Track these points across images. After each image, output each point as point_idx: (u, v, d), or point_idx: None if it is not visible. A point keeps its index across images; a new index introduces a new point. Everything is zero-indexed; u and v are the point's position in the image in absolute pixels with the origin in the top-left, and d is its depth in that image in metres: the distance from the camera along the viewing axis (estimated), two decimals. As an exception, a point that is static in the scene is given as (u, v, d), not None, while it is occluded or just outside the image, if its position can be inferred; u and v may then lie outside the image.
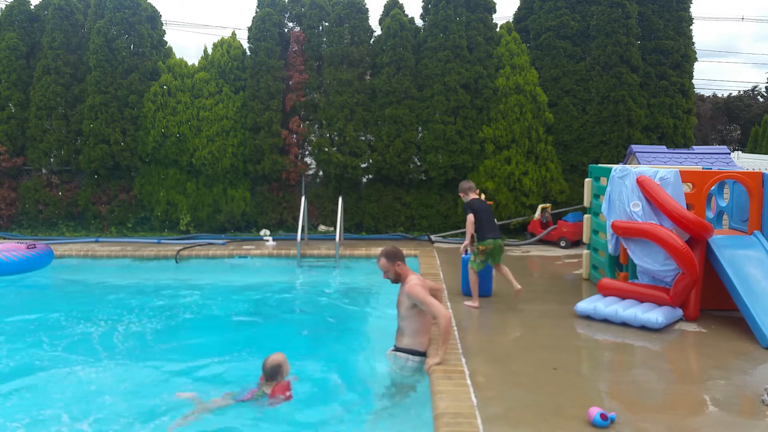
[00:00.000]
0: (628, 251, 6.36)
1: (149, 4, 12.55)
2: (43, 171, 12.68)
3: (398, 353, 5.21)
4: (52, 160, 12.39)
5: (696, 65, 12.44)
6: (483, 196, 10.69)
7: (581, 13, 12.07)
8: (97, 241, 11.34)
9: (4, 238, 11.66)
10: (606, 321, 6.08)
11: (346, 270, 9.66)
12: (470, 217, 6.78)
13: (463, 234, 11.74)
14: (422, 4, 12.24)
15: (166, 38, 12.95)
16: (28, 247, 9.05)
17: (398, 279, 5.28)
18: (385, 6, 12.33)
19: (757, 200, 6.46)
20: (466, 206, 6.96)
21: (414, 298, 5.05)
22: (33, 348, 6.19)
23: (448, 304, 6.67)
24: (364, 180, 12.45)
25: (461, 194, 7.13)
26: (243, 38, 13.82)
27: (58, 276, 9.37)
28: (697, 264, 5.88)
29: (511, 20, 13.01)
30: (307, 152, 12.35)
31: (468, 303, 6.81)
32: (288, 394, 4.70)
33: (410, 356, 5.15)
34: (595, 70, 11.85)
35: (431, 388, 4.43)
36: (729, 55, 48.66)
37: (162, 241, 11.33)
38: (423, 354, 5.15)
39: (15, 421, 4.46)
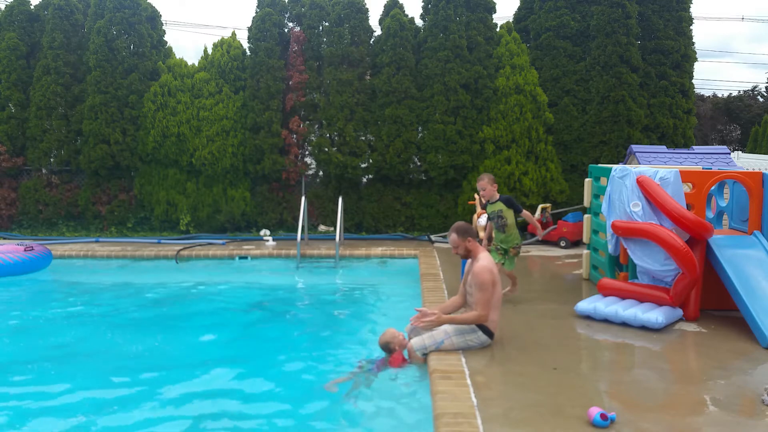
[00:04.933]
0: (628, 251, 6.36)
1: (149, 4, 12.56)
2: (43, 171, 12.69)
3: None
4: (52, 160, 12.40)
5: (695, 65, 12.46)
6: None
7: (581, 13, 12.08)
8: (97, 241, 11.34)
9: (4, 239, 11.66)
10: (606, 321, 6.07)
11: (346, 270, 9.66)
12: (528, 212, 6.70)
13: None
14: (422, 4, 12.24)
15: (166, 38, 12.96)
16: (25, 249, 9.01)
17: (468, 255, 5.30)
18: (385, 6, 12.33)
19: (757, 200, 6.46)
20: (511, 199, 6.64)
21: (474, 280, 5.10)
22: (32, 348, 6.19)
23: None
24: (364, 180, 12.45)
25: (493, 186, 6.65)
26: (243, 38, 13.86)
27: (58, 276, 9.37)
28: (697, 264, 5.87)
29: (511, 20, 13.00)
30: (307, 152, 12.35)
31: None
32: (402, 364, 5.16)
33: (478, 329, 5.16)
34: (595, 70, 11.85)
35: (431, 388, 4.43)
36: (726, 55, 48.74)
37: (162, 241, 11.34)
38: (490, 333, 5.20)
39: (14, 423, 4.46)
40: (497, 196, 6.64)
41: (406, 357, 5.23)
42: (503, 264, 6.74)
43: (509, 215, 6.59)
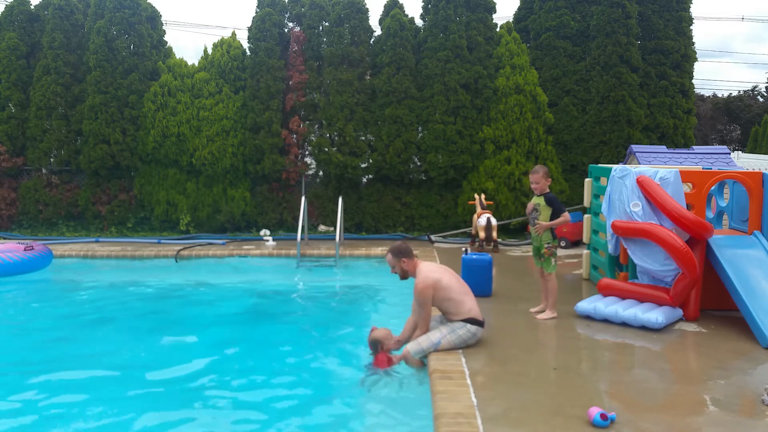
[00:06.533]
0: (628, 251, 6.36)
1: (149, 4, 12.56)
2: (43, 171, 12.69)
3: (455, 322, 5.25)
4: (52, 160, 12.41)
5: (695, 65, 12.46)
6: (483, 196, 10.75)
7: (581, 13, 12.08)
8: (97, 241, 11.34)
9: (4, 239, 11.66)
10: (606, 321, 6.07)
11: (346, 270, 9.66)
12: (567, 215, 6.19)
13: (464, 233, 11.77)
14: (422, 4, 12.24)
15: (166, 38, 12.96)
16: (25, 249, 9.01)
17: (406, 275, 5.30)
18: (385, 6, 12.34)
19: (757, 200, 6.46)
20: (555, 199, 6.15)
21: (415, 298, 5.14)
22: (31, 347, 6.19)
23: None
24: (364, 180, 12.45)
25: (546, 180, 6.14)
26: (243, 38, 13.84)
27: (58, 276, 9.37)
28: (697, 264, 5.87)
29: (511, 20, 13.01)
30: (307, 152, 12.35)
31: (545, 316, 6.24)
32: (389, 365, 5.17)
33: (466, 323, 5.18)
34: (595, 70, 11.85)
35: (431, 388, 4.43)
36: (726, 55, 48.79)
37: (162, 241, 11.34)
38: (478, 322, 5.21)
39: (13, 423, 4.46)
40: (547, 190, 6.25)
41: (393, 354, 5.25)
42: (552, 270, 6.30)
43: (544, 212, 6.17)
